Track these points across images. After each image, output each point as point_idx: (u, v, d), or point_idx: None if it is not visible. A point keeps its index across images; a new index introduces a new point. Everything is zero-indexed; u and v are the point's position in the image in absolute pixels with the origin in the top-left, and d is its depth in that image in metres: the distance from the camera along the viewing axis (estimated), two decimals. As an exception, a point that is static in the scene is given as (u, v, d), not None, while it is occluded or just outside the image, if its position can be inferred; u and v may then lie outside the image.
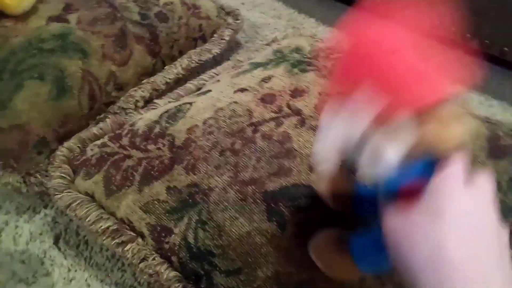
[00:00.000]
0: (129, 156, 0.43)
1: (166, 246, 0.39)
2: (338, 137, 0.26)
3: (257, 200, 0.38)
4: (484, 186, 0.24)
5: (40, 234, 0.47)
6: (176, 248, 0.38)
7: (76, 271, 0.45)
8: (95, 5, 0.57)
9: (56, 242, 0.47)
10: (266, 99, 0.46)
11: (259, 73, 0.50)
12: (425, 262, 0.22)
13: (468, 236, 0.22)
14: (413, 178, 0.25)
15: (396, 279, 0.36)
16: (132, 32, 0.58)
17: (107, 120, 0.50)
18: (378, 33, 0.25)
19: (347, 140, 0.26)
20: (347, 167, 0.28)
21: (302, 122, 0.43)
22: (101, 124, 0.49)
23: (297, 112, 0.44)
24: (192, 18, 0.65)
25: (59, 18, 0.53)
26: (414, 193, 0.24)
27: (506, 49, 0.67)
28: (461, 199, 0.23)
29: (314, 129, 0.43)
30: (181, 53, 0.64)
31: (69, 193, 0.43)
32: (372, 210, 0.27)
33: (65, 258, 0.45)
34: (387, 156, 0.24)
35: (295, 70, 0.49)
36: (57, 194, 0.43)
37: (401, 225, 0.24)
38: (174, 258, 0.39)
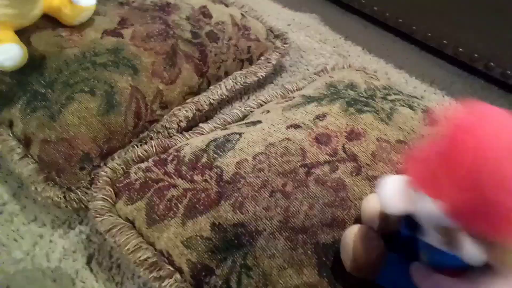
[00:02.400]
0: (174, 185, 0.42)
1: (206, 286, 0.37)
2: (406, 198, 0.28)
3: (308, 251, 0.36)
4: None
5: (74, 252, 0.46)
6: (217, 291, 0.37)
7: (106, 295, 0.43)
8: (150, 21, 0.56)
9: (88, 262, 0.45)
10: (321, 139, 0.44)
11: (313, 108, 0.48)
12: None
13: None
14: (460, 263, 0.26)
15: None
16: (182, 51, 0.57)
17: (152, 142, 0.48)
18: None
19: (412, 205, 0.27)
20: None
21: (358, 170, 0.41)
22: (145, 146, 0.48)
23: (353, 158, 0.42)
24: (241, 39, 0.64)
25: (114, 32, 0.53)
26: (455, 273, 0.27)
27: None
28: None
29: (370, 179, 0.40)
30: (227, 74, 0.63)
31: (110, 217, 0.41)
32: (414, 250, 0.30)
33: (97, 281, 0.44)
34: (465, 249, 0.24)
35: (351, 109, 0.47)
36: (98, 217, 0.41)
37: None
38: (213, 301, 0.37)
